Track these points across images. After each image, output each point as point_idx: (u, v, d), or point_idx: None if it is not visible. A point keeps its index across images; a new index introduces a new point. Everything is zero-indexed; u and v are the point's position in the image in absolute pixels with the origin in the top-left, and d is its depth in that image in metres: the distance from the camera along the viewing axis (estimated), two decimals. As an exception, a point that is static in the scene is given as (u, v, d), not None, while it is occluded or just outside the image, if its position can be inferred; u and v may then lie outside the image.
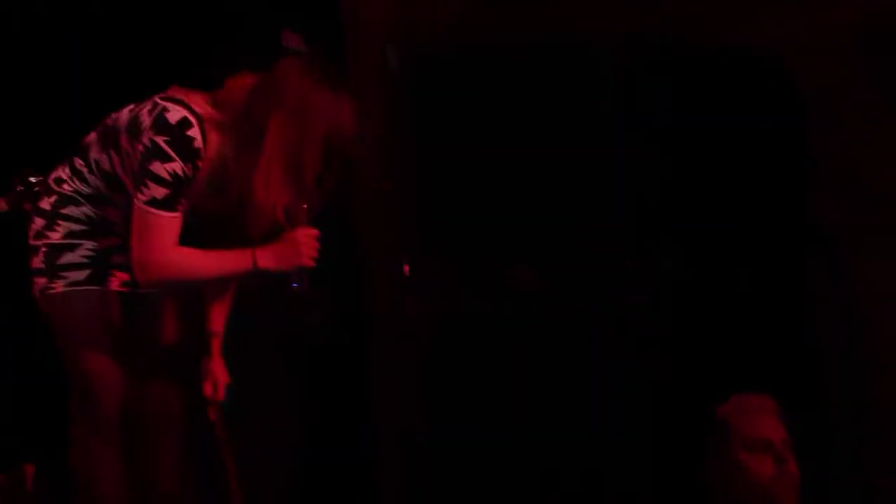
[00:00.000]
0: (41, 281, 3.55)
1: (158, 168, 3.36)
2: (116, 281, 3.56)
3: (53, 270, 3.53)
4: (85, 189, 3.54)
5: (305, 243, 3.42)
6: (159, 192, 3.36)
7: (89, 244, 3.52)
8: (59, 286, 3.52)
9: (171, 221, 3.38)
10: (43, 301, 3.57)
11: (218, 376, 3.76)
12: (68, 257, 3.52)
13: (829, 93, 4.62)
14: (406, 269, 4.79)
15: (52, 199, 3.56)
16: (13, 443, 4.43)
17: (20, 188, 4.10)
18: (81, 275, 3.52)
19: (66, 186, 3.55)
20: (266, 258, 3.41)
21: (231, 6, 4.62)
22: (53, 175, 3.60)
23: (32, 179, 4.08)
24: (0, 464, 4.09)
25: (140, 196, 3.38)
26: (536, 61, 4.79)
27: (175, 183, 3.36)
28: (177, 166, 3.36)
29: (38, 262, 3.55)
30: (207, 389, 3.75)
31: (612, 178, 4.82)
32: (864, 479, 4.48)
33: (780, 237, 4.73)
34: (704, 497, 3.64)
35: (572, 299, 4.81)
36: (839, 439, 4.46)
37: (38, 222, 3.57)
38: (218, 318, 3.76)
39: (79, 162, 3.56)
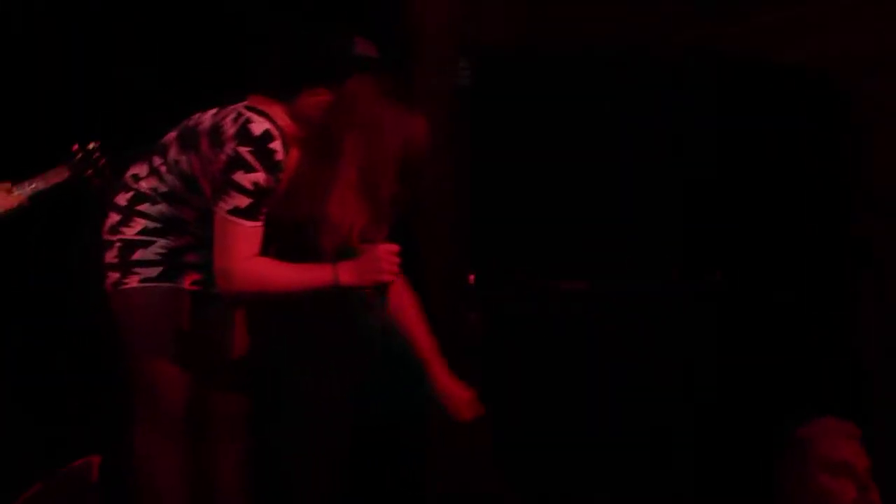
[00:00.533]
0: (114, 276, 3.60)
1: (241, 178, 3.40)
2: (188, 280, 3.61)
3: (127, 266, 3.58)
4: (162, 188, 3.58)
5: (386, 259, 3.42)
6: (242, 201, 3.40)
7: (163, 242, 3.57)
8: (132, 282, 3.58)
9: (253, 231, 3.42)
10: (114, 296, 3.61)
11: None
12: (142, 254, 3.57)
13: (885, 111, 4.62)
14: (472, 278, 4.83)
15: (129, 195, 3.61)
16: (80, 434, 4.51)
17: (80, 155, 4.17)
18: (154, 271, 3.57)
19: (143, 184, 3.61)
20: (347, 274, 3.42)
21: (297, 18, 4.67)
22: (131, 172, 3.66)
23: (91, 146, 4.15)
24: (67, 455, 4.14)
25: (222, 205, 3.42)
26: (599, 69, 4.83)
27: (257, 193, 3.40)
28: (260, 177, 3.39)
29: (111, 256, 3.60)
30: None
31: (666, 186, 4.86)
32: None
33: (825, 251, 4.74)
34: None
35: (621, 304, 4.84)
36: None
37: (114, 217, 3.62)
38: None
39: (157, 160, 3.61)
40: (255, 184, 3.40)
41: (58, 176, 4.15)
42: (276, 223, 3.51)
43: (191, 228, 3.59)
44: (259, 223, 3.43)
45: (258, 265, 3.44)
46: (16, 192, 4.07)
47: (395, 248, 3.46)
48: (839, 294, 4.76)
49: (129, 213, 3.61)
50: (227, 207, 3.42)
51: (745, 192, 4.86)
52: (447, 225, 4.81)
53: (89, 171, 4.14)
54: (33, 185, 4.12)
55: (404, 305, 3.70)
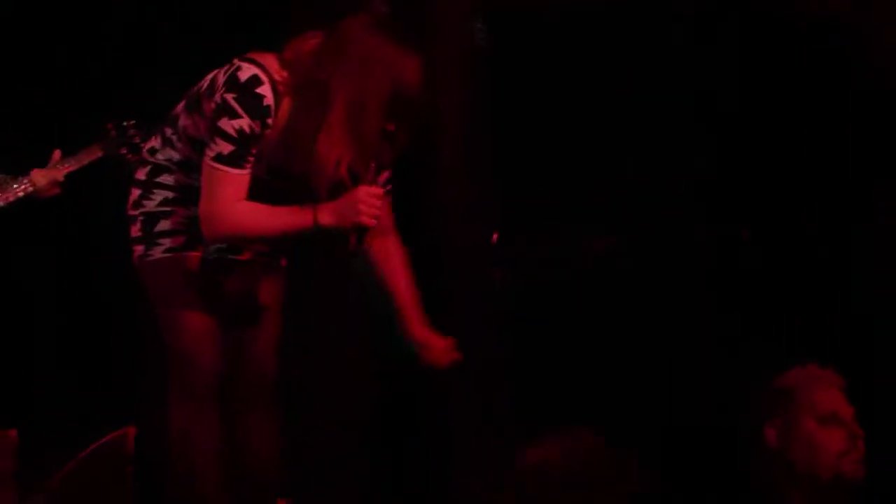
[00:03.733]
0: (139, 249, 3.62)
1: (226, 124, 3.39)
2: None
3: (150, 238, 3.60)
4: (176, 157, 3.59)
5: (365, 201, 3.38)
6: (226, 148, 3.39)
7: (183, 212, 3.58)
8: (157, 253, 3.59)
9: (237, 178, 3.41)
10: (141, 269, 3.64)
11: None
12: (163, 224, 3.59)
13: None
14: (495, 238, 4.82)
15: (147, 168, 3.64)
16: (116, 405, 4.56)
17: (114, 133, 4.19)
18: (177, 241, 3.58)
19: (159, 156, 3.62)
20: (326, 215, 3.39)
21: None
22: (147, 146, 3.68)
23: (125, 124, 4.17)
24: (103, 426, 4.18)
25: (208, 152, 3.42)
26: (619, 28, 4.81)
27: (241, 140, 3.39)
28: (244, 123, 3.38)
29: (135, 230, 3.63)
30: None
31: (687, 144, 4.83)
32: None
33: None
34: (762, 467, 3.61)
35: (648, 264, 4.83)
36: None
37: (135, 192, 3.64)
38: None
39: (169, 131, 3.62)
40: (240, 131, 3.39)
41: (91, 155, 4.18)
42: (280, 172, 3.50)
43: None
44: (244, 171, 3.42)
45: (239, 210, 3.43)
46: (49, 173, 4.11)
47: (377, 190, 3.42)
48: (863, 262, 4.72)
49: (148, 186, 3.63)
50: (212, 154, 3.42)
51: (767, 151, 4.82)
52: (472, 183, 4.79)
53: (123, 150, 4.16)
54: (67, 166, 4.16)
55: (389, 252, 3.68)
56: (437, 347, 3.68)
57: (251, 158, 3.43)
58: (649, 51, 4.80)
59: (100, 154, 4.16)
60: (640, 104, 4.80)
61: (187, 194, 3.58)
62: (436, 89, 4.21)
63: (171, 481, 3.68)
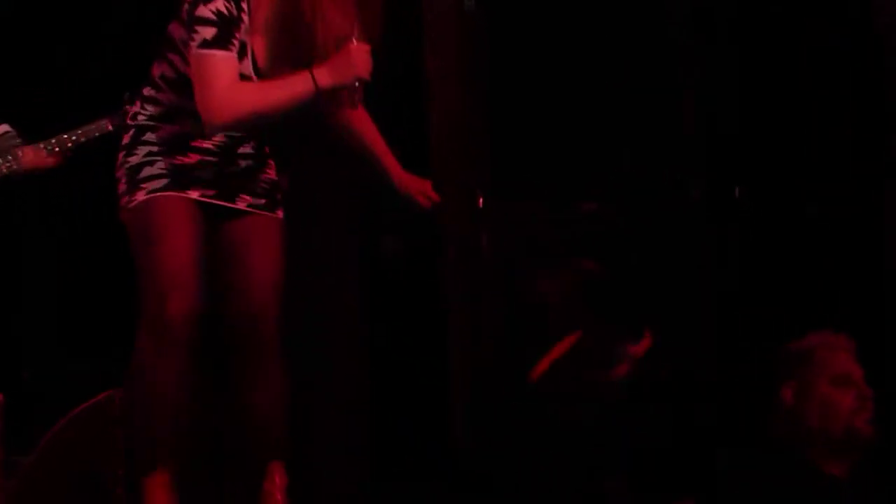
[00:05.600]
0: (124, 200, 3.61)
1: (203, 10, 3.42)
2: (197, 192, 3.60)
3: (135, 185, 3.59)
4: (159, 111, 3.61)
5: (358, 55, 3.44)
6: (208, 32, 3.41)
7: (168, 160, 3.59)
8: (140, 196, 3.57)
9: (225, 60, 3.43)
10: (125, 217, 3.62)
11: None
12: (147, 171, 3.59)
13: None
14: (480, 201, 4.83)
15: (131, 132, 3.65)
16: (100, 369, 4.56)
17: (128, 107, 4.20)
18: (160, 183, 3.57)
19: (140, 117, 3.64)
20: (324, 76, 3.43)
21: None
22: (130, 113, 3.69)
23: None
24: (87, 390, 4.18)
25: (192, 43, 3.44)
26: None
27: (221, 21, 3.42)
28: (219, 4, 3.41)
29: (121, 186, 3.63)
30: None
31: (682, 108, 4.82)
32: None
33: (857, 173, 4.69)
34: (777, 425, 3.75)
35: (638, 230, 4.82)
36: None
37: (120, 156, 3.66)
38: None
39: (147, 90, 3.64)
40: (217, 12, 3.42)
41: (100, 129, 4.19)
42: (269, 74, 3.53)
43: (194, 144, 3.60)
44: (231, 53, 3.44)
45: (238, 91, 3.45)
46: (54, 149, 4.11)
47: (366, 46, 3.47)
48: (865, 210, 4.72)
49: (132, 146, 3.64)
50: (196, 43, 3.43)
51: (767, 107, 4.80)
52: (458, 146, 4.80)
53: None
54: (74, 139, 4.16)
55: (359, 118, 3.77)
56: (418, 189, 3.83)
57: (235, 42, 3.45)
58: (644, 16, 4.78)
59: (109, 128, 4.16)
60: (634, 67, 4.78)
61: (171, 146, 3.60)
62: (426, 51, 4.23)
63: (129, 423, 3.67)
